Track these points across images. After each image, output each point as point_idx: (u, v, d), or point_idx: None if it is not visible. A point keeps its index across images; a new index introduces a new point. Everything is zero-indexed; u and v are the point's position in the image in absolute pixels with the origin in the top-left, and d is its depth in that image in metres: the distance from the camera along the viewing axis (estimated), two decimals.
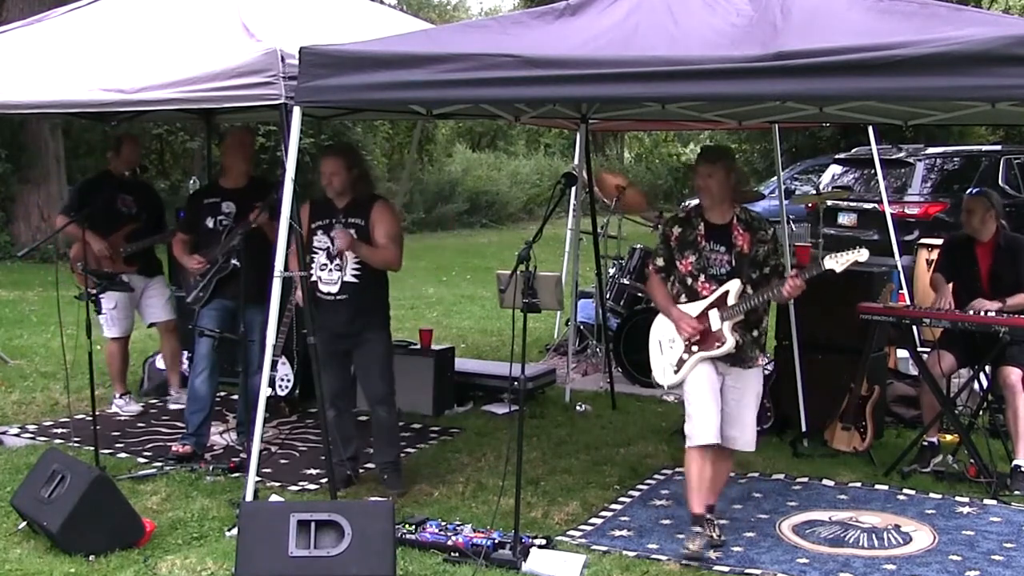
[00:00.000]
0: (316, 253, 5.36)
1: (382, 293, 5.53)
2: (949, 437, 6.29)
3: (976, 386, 6.23)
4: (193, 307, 6.15)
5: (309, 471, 5.84)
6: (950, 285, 6.18)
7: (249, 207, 5.93)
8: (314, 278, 5.32)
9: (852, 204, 12.83)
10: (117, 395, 7.16)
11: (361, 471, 5.68)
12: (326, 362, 5.22)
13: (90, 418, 5.71)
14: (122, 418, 6.97)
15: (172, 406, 7.08)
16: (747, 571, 4.54)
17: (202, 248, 6.06)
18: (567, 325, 8.73)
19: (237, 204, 6.01)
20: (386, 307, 5.59)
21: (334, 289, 5.34)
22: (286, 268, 4.84)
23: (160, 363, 7.63)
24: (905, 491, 5.67)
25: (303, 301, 5.05)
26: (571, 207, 9.59)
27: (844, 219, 13.01)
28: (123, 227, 6.81)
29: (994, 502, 5.49)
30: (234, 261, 5.72)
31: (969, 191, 6.64)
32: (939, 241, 8.62)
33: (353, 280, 5.33)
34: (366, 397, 5.63)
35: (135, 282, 6.90)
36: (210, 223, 6.03)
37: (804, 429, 6.55)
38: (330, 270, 5.34)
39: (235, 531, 4.51)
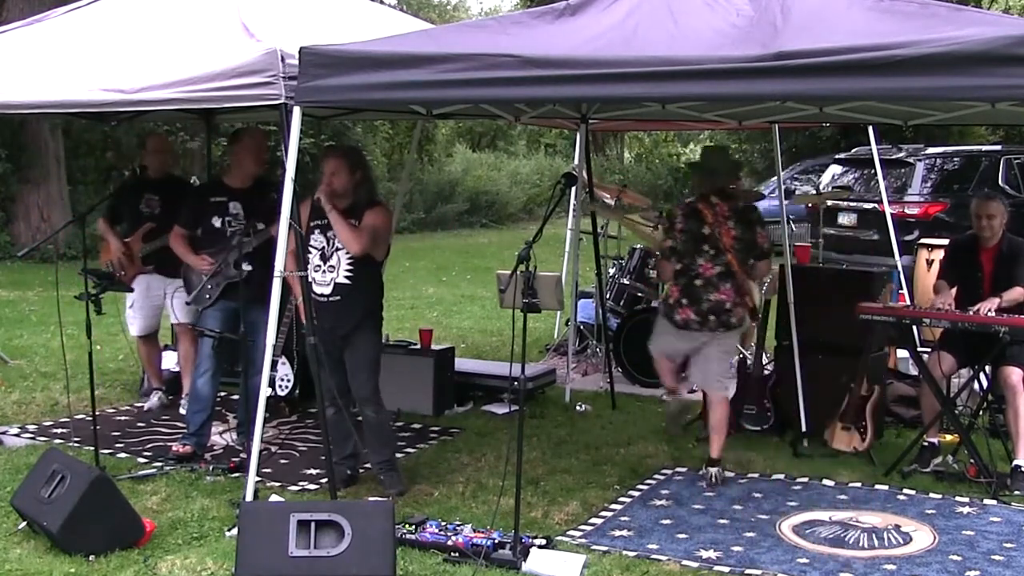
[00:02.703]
0: (311, 253, 5.34)
1: (374, 296, 5.50)
2: (949, 437, 6.29)
3: (976, 386, 6.23)
4: (196, 306, 6.14)
5: (309, 471, 5.84)
6: (953, 290, 6.17)
7: (255, 208, 5.92)
8: (309, 279, 5.31)
9: (852, 204, 12.84)
10: (152, 387, 7.28)
11: (361, 470, 5.68)
12: (324, 360, 5.23)
13: (90, 418, 5.71)
14: (122, 418, 6.97)
15: (181, 411, 6.97)
16: (747, 571, 4.54)
17: (205, 246, 6.03)
18: (567, 325, 8.73)
19: (244, 205, 6.00)
20: (378, 309, 5.55)
21: (327, 290, 5.33)
22: (285, 268, 4.84)
23: (162, 362, 7.62)
24: (905, 491, 5.68)
25: (302, 303, 5.04)
26: (571, 207, 9.60)
27: (844, 219, 13.02)
28: (142, 228, 6.80)
29: (994, 502, 5.49)
30: (246, 266, 5.65)
31: (984, 192, 6.61)
32: (939, 241, 8.66)
33: (346, 282, 5.32)
34: (355, 397, 5.63)
35: (156, 282, 6.89)
36: (217, 222, 6.01)
37: (804, 429, 6.55)
38: (323, 271, 5.34)
39: (235, 531, 4.51)
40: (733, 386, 5.90)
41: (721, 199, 5.67)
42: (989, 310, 5.70)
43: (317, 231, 5.37)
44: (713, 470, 5.71)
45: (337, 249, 5.32)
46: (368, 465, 5.77)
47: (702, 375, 5.88)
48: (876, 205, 10.88)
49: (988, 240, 6.05)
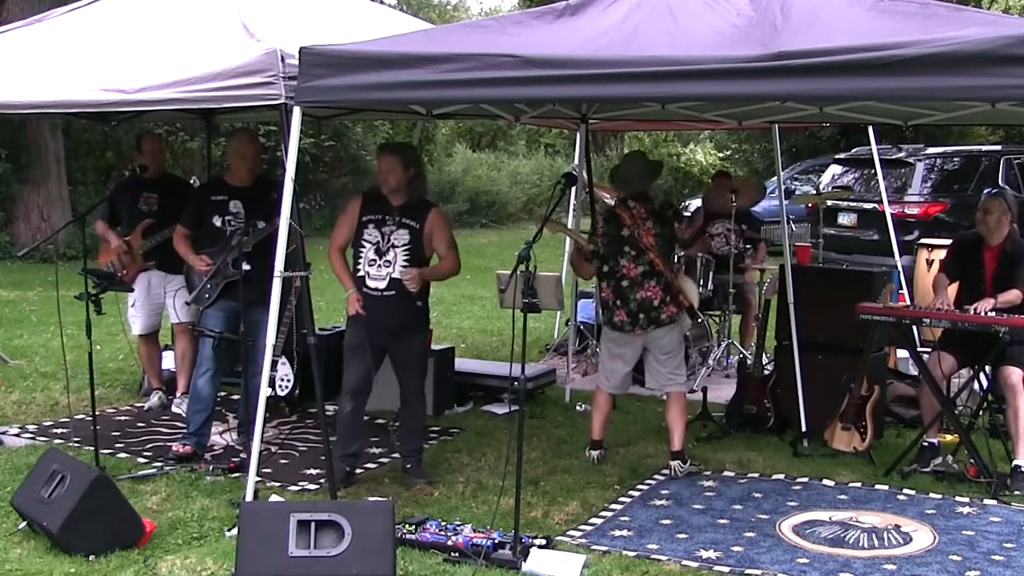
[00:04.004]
0: (364, 247, 5.40)
1: (424, 292, 5.59)
2: (949, 437, 6.29)
3: (976, 386, 6.23)
4: (196, 305, 6.16)
5: (309, 471, 5.83)
6: (954, 286, 6.17)
7: (255, 207, 5.94)
8: (361, 273, 5.40)
9: (852, 204, 12.86)
10: (152, 387, 7.30)
11: (360, 471, 5.69)
12: (358, 356, 5.33)
13: (90, 418, 5.71)
14: (122, 418, 6.97)
15: (174, 409, 7.00)
16: (747, 571, 4.54)
17: (206, 245, 6.04)
18: (567, 325, 8.73)
19: (244, 204, 6.01)
20: (427, 306, 5.67)
21: (382, 285, 5.39)
22: (286, 268, 4.84)
23: (163, 362, 7.62)
24: (905, 491, 5.67)
25: (353, 294, 5.06)
26: (571, 207, 9.60)
27: (844, 219, 13.03)
28: (141, 225, 6.83)
29: (994, 502, 5.49)
30: (245, 266, 5.67)
31: (987, 191, 6.63)
32: (939, 241, 8.66)
33: (401, 277, 5.39)
34: (402, 390, 5.68)
35: (156, 279, 6.92)
36: (217, 221, 6.02)
37: (804, 429, 6.55)
38: (379, 266, 5.39)
39: (235, 531, 4.51)
40: (684, 377, 6.08)
41: (637, 202, 5.87)
42: (985, 310, 5.70)
43: (372, 225, 5.42)
44: (674, 463, 5.89)
45: (393, 245, 5.40)
46: (370, 465, 5.77)
47: (654, 380, 6.05)
48: (876, 205, 10.89)
49: (991, 238, 6.04)
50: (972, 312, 5.74)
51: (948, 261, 6.38)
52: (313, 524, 4.09)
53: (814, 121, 7.29)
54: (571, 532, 4.97)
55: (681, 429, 5.93)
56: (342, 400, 5.53)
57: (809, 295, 6.77)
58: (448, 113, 6.86)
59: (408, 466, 5.67)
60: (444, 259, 5.57)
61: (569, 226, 9.33)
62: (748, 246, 8.71)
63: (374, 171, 5.52)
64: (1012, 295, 5.81)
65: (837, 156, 14.94)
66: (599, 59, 4.25)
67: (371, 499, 5.15)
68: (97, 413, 5.66)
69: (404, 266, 5.40)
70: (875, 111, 6.36)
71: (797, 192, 17.08)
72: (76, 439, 6.18)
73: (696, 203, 16.42)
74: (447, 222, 5.68)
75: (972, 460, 5.79)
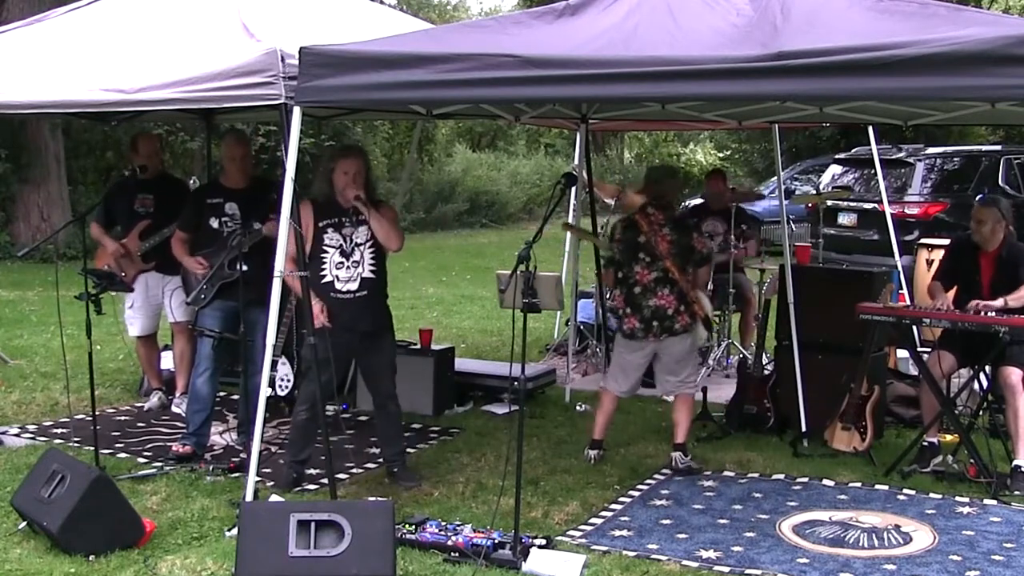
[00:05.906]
0: (327, 252, 5.36)
1: (385, 291, 5.60)
2: (949, 437, 6.29)
3: (976, 386, 6.23)
4: (194, 306, 6.17)
5: (309, 471, 5.82)
6: (951, 292, 6.16)
7: (252, 208, 5.94)
8: (328, 279, 5.34)
9: (852, 204, 12.85)
10: (152, 387, 7.29)
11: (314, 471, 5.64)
12: (322, 367, 5.04)
13: (90, 418, 5.71)
14: (122, 418, 6.97)
15: (174, 409, 7.01)
16: (747, 571, 4.54)
17: (203, 247, 6.06)
18: (567, 325, 8.73)
19: (240, 205, 6.02)
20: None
21: (354, 286, 5.36)
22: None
23: (162, 362, 7.62)
24: (905, 491, 5.68)
25: (303, 297, 5.04)
26: (571, 207, 9.60)
27: (844, 219, 13.03)
28: (137, 227, 6.83)
29: (994, 502, 5.49)
30: (243, 267, 5.67)
31: (980, 198, 6.61)
32: (939, 241, 8.66)
33: (371, 276, 5.39)
34: (376, 394, 5.65)
35: (154, 280, 6.93)
36: (214, 223, 6.04)
37: (804, 429, 6.55)
38: (347, 267, 5.36)
39: (235, 531, 4.51)
40: (695, 383, 6.13)
41: (657, 209, 5.88)
42: (993, 310, 5.69)
43: (331, 229, 5.38)
44: (676, 454, 5.96)
45: (358, 244, 5.37)
46: (370, 465, 5.76)
47: (663, 387, 6.12)
48: (876, 205, 10.89)
49: (986, 246, 6.03)
50: (973, 311, 5.73)
51: (944, 267, 6.36)
52: (313, 524, 4.09)
53: (814, 121, 7.29)
54: (571, 532, 4.97)
55: (686, 424, 5.99)
56: (299, 408, 5.47)
57: (809, 295, 6.78)
58: (448, 113, 6.85)
59: (395, 471, 5.63)
60: (391, 221, 5.47)
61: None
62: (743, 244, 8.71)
63: (328, 177, 5.43)
64: (1023, 293, 5.80)
65: (837, 156, 14.94)
66: (599, 59, 4.25)
67: (371, 499, 5.15)
68: (97, 413, 5.66)
69: (372, 262, 5.39)
70: (875, 111, 6.36)
71: (797, 192, 17.08)
72: (76, 439, 6.18)
73: (695, 203, 16.45)
74: (396, 213, 5.71)
75: (972, 460, 5.79)
